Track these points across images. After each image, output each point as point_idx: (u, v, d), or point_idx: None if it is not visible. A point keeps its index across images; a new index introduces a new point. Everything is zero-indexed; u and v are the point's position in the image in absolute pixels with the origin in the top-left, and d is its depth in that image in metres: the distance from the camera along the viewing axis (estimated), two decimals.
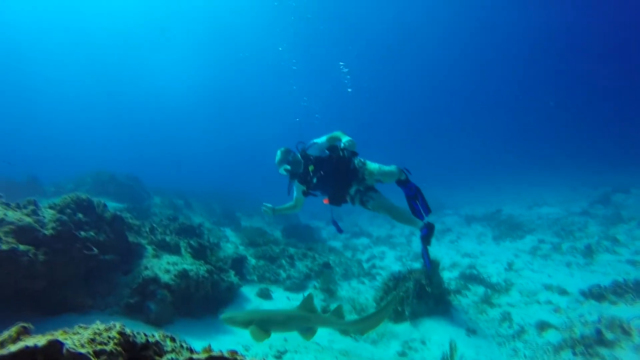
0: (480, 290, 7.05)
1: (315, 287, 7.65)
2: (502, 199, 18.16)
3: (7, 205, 4.30)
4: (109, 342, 1.47)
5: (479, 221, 13.95)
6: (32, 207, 4.44)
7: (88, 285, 4.85)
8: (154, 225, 7.04)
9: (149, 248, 6.11)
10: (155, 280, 5.23)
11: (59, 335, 1.37)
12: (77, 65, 47.76)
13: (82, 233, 4.74)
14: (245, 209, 18.22)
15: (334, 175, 4.99)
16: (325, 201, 5.20)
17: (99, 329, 1.52)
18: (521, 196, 17.68)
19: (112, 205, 11.73)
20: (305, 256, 9.18)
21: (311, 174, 4.98)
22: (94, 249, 4.73)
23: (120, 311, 4.96)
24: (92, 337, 1.45)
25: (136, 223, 6.55)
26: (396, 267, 9.63)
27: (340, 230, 5.62)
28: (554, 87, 47.62)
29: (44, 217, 4.47)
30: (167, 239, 6.52)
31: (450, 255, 10.11)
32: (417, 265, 8.74)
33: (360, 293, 7.59)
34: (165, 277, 5.32)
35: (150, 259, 5.83)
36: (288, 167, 4.88)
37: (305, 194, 5.19)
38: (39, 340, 1.32)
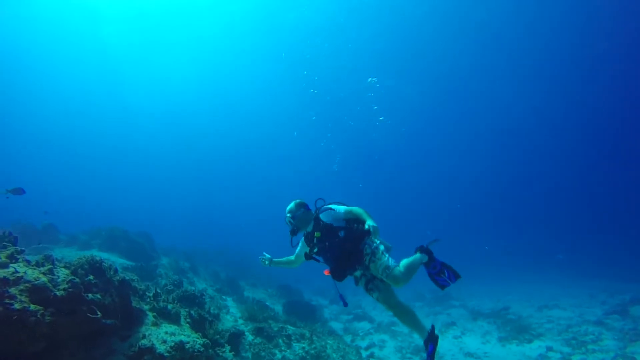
0: None
1: None
2: (511, 293, 17.64)
3: (28, 262, 4.55)
4: None
5: (486, 318, 13.45)
6: (49, 266, 4.69)
7: (85, 348, 4.88)
8: (158, 290, 7.13)
9: (150, 315, 6.15)
10: (151, 350, 5.20)
11: None
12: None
13: (90, 295, 4.89)
14: (250, 277, 18.09)
15: (338, 252, 4.61)
16: (326, 272, 4.82)
17: None
18: (532, 294, 17.08)
19: (122, 262, 11.95)
20: (303, 337, 8.98)
21: (315, 240, 4.72)
22: (98, 312, 4.84)
23: None
24: None
25: (141, 287, 6.67)
26: (395, 359, 9.26)
27: (345, 304, 5.22)
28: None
29: (58, 276, 4.68)
30: (169, 306, 6.56)
31: (452, 352, 9.70)
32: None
33: None
34: (161, 348, 5.29)
35: (150, 326, 5.85)
36: (292, 220, 4.73)
37: (307, 257, 4.89)
38: None
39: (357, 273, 4.79)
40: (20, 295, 4.02)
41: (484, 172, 53.91)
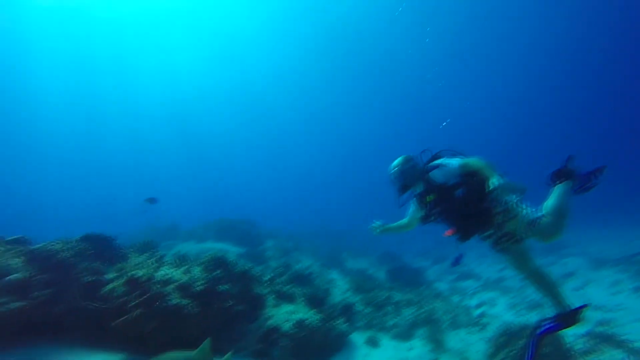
0: (618, 355, 6.29)
1: (422, 337, 7.69)
2: None
3: (171, 264, 5.49)
4: None
5: (614, 265, 12.21)
6: (186, 266, 5.58)
7: (225, 332, 5.77)
8: (273, 275, 7.98)
9: (270, 298, 6.97)
10: (276, 329, 5.99)
11: None
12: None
13: (221, 287, 5.72)
14: (349, 249, 18.86)
15: (459, 214, 3.96)
16: (448, 233, 4.17)
17: None
18: None
19: (235, 250, 13.36)
20: (410, 303, 9.27)
21: (427, 205, 4.11)
22: (230, 301, 5.66)
23: (249, 355, 5.77)
24: None
25: (258, 274, 7.50)
26: (509, 316, 9.07)
27: (457, 264, 4.72)
28: None
29: (194, 274, 5.57)
30: (285, 288, 7.36)
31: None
32: (534, 316, 8.15)
33: (469, 345, 7.37)
34: (285, 327, 6.04)
35: (271, 308, 6.67)
36: (399, 177, 4.18)
37: (423, 221, 4.28)
38: None
39: (487, 233, 4.04)
40: (173, 292, 4.91)
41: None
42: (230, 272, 6.30)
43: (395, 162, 4.23)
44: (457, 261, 4.40)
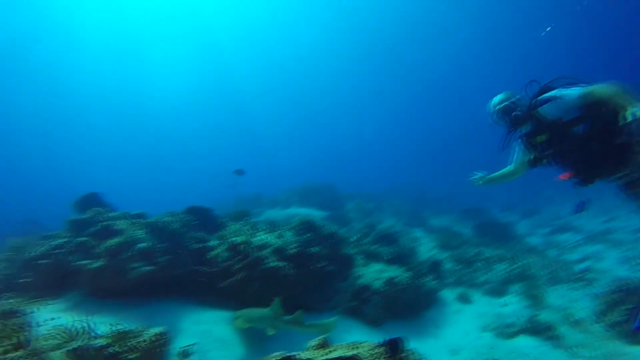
0: None
1: (517, 293, 7.41)
2: None
3: (265, 230, 5.92)
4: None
5: None
6: (278, 231, 5.98)
7: (318, 291, 6.15)
8: (359, 236, 8.20)
9: (358, 258, 7.20)
10: (367, 287, 6.21)
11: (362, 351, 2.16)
12: None
13: (312, 250, 6.04)
14: (431, 206, 18.48)
15: (580, 155, 3.38)
16: (563, 177, 3.62)
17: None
18: None
19: (318, 214, 13.86)
20: (502, 259, 8.91)
21: (538, 147, 3.55)
22: (322, 262, 5.98)
23: (342, 312, 6.10)
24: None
25: (345, 236, 7.75)
26: (622, 272, 8.25)
27: (582, 211, 4.06)
28: None
29: (286, 237, 5.96)
30: (372, 248, 7.53)
31: None
32: None
33: (573, 301, 6.92)
34: (375, 285, 6.23)
35: (361, 267, 6.90)
36: (501, 117, 3.65)
37: (533, 164, 3.69)
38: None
39: (620, 174, 3.43)
40: (270, 256, 5.34)
41: None
42: (319, 234, 6.60)
43: (496, 99, 3.71)
44: (580, 207, 3.71)
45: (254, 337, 5.00)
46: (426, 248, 10.34)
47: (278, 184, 23.67)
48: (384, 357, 2.24)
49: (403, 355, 2.28)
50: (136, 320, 4.77)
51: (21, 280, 5.94)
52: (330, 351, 2.46)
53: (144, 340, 4.12)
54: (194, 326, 5.05)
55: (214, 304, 5.59)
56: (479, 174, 4.22)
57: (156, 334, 4.26)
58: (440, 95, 53.19)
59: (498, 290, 7.73)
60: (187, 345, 4.55)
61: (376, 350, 2.31)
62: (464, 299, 7.38)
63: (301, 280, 5.62)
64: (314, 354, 2.44)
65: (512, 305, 7.01)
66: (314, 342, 2.68)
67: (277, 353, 2.44)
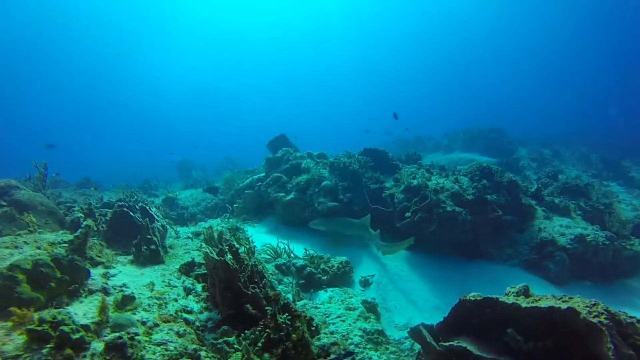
0: None
1: None
2: None
3: (439, 174, 5.89)
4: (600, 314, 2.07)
5: None
6: (454, 176, 5.87)
7: (494, 239, 5.93)
8: (538, 186, 7.39)
9: (539, 209, 6.56)
10: (552, 242, 5.68)
11: (576, 305, 2.09)
12: None
13: (488, 197, 5.78)
14: (635, 155, 15.08)
15: None
16: None
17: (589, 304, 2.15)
18: None
19: (483, 161, 12.94)
20: None
21: None
22: (499, 210, 5.69)
23: (519, 264, 5.78)
24: (590, 309, 2.09)
25: (524, 185, 7.11)
26: None
27: None
28: None
29: (462, 183, 5.83)
30: (556, 200, 6.74)
31: None
32: None
33: None
34: (561, 240, 5.65)
35: (542, 220, 6.30)
36: None
37: None
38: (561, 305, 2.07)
39: None
40: (447, 200, 5.35)
41: None
42: (497, 182, 6.23)
43: None
44: None
45: (432, 276, 5.25)
46: (630, 207, 8.68)
47: (438, 128, 22.74)
48: (605, 316, 2.10)
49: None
50: (320, 248, 5.51)
51: (235, 205, 7.47)
52: (536, 300, 2.42)
53: (333, 266, 4.79)
54: (372, 260, 5.58)
55: (390, 241, 6.01)
56: None
57: (342, 262, 4.90)
58: None
59: None
60: (368, 276, 5.10)
61: (594, 309, 2.17)
62: None
63: (477, 226, 5.51)
64: (517, 300, 2.44)
65: None
66: (514, 288, 2.67)
67: (474, 293, 2.53)
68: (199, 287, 3.10)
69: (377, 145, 7.59)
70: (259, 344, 2.01)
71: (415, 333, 2.64)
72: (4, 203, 4.27)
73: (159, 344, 2.07)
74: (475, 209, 5.51)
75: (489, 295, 2.47)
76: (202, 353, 2.10)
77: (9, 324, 1.99)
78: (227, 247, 2.58)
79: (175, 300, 2.76)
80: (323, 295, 4.21)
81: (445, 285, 5.05)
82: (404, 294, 4.83)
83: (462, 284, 5.05)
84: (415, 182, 5.71)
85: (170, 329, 2.23)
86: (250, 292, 2.39)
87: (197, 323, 2.47)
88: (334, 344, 2.52)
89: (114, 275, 3.13)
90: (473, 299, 2.34)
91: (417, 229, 5.38)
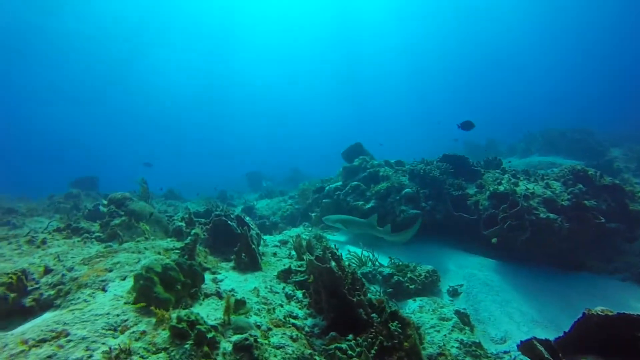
0: None
1: None
2: None
3: (526, 180, 5.53)
4: None
5: None
6: (545, 181, 5.46)
7: (595, 250, 5.40)
8: None
9: None
10: None
11: None
12: None
13: (587, 203, 5.29)
14: None
15: None
16: None
17: None
18: None
19: (569, 163, 11.89)
20: None
21: None
22: (601, 217, 5.17)
23: (631, 278, 5.16)
24: None
25: (630, 189, 6.41)
26: None
27: None
28: None
29: (555, 188, 5.40)
30: None
31: None
32: None
33: None
34: None
35: None
36: None
37: None
38: None
39: None
40: (539, 206, 4.99)
41: None
42: (595, 185, 5.70)
43: None
44: None
45: (526, 287, 4.92)
46: None
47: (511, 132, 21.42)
48: None
49: None
50: (404, 257, 5.40)
51: (313, 214, 7.63)
52: None
53: (420, 274, 4.67)
54: (459, 269, 5.35)
55: (475, 250, 5.74)
56: None
57: (428, 271, 4.76)
58: None
59: None
60: (456, 285, 4.89)
61: None
62: None
63: (576, 234, 5.06)
64: None
65: None
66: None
67: (602, 308, 2.31)
68: (299, 293, 3.20)
69: (446, 151, 7.33)
70: (373, 351, 2.02)
71: (527, 348, 2.47)
72: (122, 212, 4.83)
73: (277, 347, 2.17)
74: (572, 215, 5.06)
75: (624, 312, 2.24)
76: (317, 358, 2.16)
77: (153, 319, 2.23)
78: (329, 255, 2.64)
79: (281, 305, 2.87)
80: (412, 304, 4.12)
81: (543, 298, 4.68)
82: (497, 306, 4.56)
83: (563, 297, 4.64)
84: (501, 187, 5.41)
85: (284, 334, 2.33)
86: (355, 299, 2.42)
87: (306, 329, 2.55)
88: (440, 354, 2.45)
89: (221, 281, 3.35)
90: (603, 314, 2.15)
91: (506, 238, 5.08)
